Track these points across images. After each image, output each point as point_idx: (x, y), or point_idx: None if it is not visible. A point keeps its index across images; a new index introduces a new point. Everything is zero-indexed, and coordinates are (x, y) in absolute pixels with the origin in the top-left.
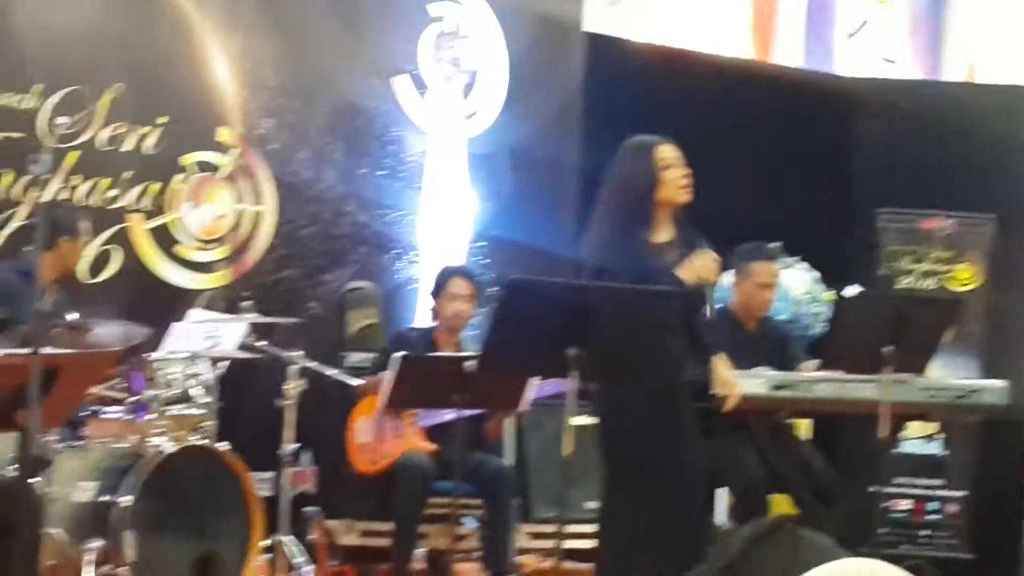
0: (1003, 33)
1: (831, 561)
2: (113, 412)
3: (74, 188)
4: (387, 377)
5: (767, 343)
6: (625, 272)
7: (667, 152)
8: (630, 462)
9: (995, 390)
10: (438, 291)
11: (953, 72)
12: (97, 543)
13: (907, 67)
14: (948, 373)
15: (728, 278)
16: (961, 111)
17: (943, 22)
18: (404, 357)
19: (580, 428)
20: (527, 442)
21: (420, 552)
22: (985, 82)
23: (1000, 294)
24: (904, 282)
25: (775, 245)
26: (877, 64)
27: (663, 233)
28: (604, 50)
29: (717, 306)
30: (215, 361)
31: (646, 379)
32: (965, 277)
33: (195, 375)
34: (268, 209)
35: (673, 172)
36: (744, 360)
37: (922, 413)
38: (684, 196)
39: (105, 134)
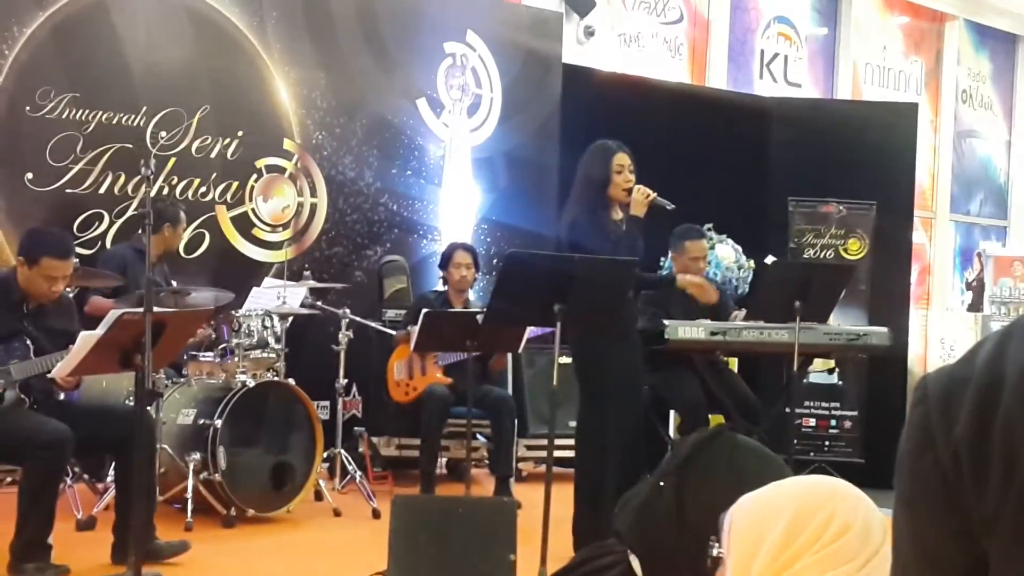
0: (880, 61)
1: (763, 456)
2: (207, 356)
3: (173, 186)
4: (415, 328)
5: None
6: (590, 244)
7: (621, 159)
8: (599, 389)
9: (879, 335)
10: (445, 262)
11: (843, 92)
12: (197, 455)
13: (808, 89)
14: (843, 322)
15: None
16: (850, 122)
17: (836, 55)
18: (427, 313)
19: (563, 365)
20: (523, 376)
21: (442, 461)
22: (868, 99)
23: (881, 262)
24: (808, 253)
25: (707, 226)
26: (786, 87)
27: (616, 214)
28: (577, 78)
29: (664, 273)
30: (284, 316)
31: (611, 327)
32: (855, 249)
33: (269, 327)
34: (321, 201)
35: (622, 176)
36: (689, 314)
37: (824, 352)
38: (625, 197)
39: (196, 144)
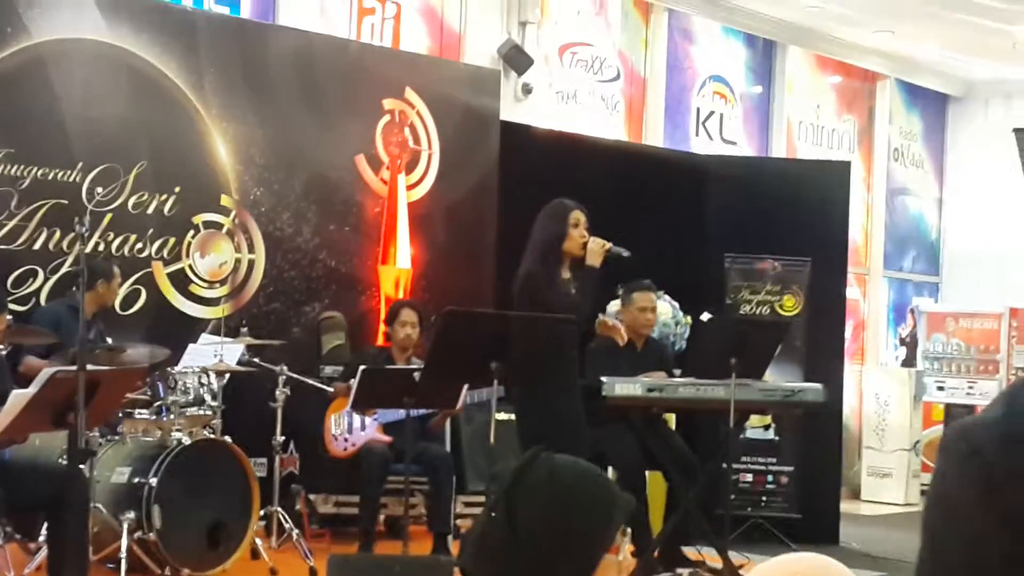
0: (814, 120)
1: (582, 471)
2: (143, 413)
3: (109, 242)
4: (353, 384)
5: (650, 357)
6: (544, 297)
7: (577, 216)
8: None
9: (814, 391)
10: (391, 319)
11: (778, 150)
12: (132, 514)
13: (744, 146)
14: (779, 377)
15: (616, 307)
16: (785, 179)
17: (770, 113)
18: (364, 369)
19: (502, 422)
20: (461, 433)
21: (381, 518)
22: (802, 157)
23: (816, 317)
24: (744, 309)
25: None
26: (721, 144)
27: (566, 272)
28: (516, 134)
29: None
30: (221, 373)
31: (549, 384)
32: (790, 305)
33: (206, 384)
34: (259, 257)
35: (578, 231)
36: (633, 370)
37: (760, 409)
38: (580, 251)
39: (133, 200)
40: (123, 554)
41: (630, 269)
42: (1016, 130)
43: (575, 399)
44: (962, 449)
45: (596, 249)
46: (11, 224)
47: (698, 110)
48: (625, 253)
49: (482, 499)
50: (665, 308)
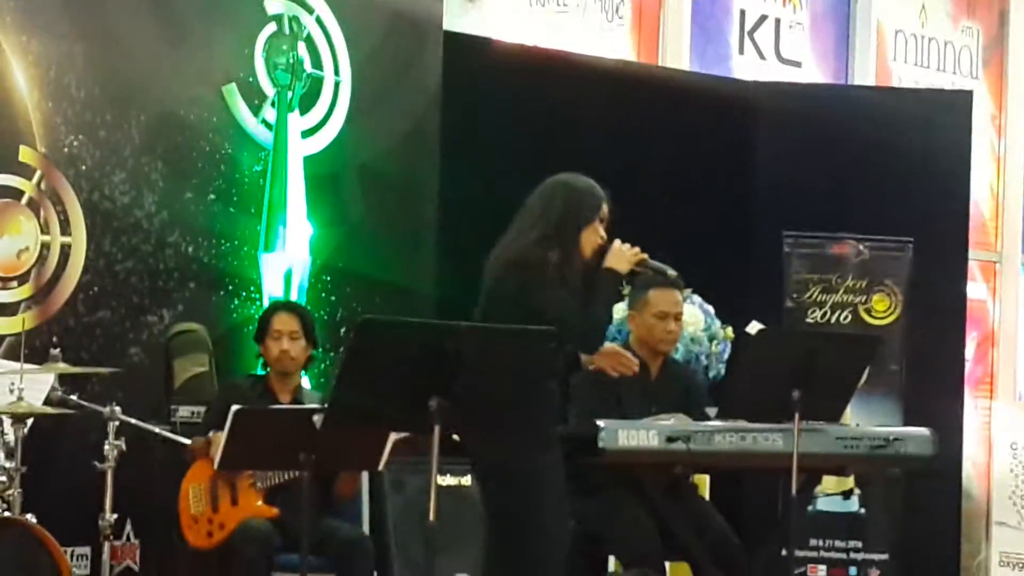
0: (918, 29)
1: None
2: None
3: None
4: (220, 435)
5: (669, 388)
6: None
7: (606, 211)
8: (513, 520)
9: (918, 439)
10: (262, 331)
11: (863, 75)
12: None
13: (811, 70)
14: (866, 421)
15: (622, 313)
16: (872, 120)
17: (852, 19)
18: (238, 411)
19: (447, 489)
20: (386, 505)
21: None
22: (900, 86)
23: (920, 328)
24: (814, 316)
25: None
26: (778, 67)
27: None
28: (467, 53)
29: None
30: (21, 419)
31: (520, 430)
32: (881, 309)
33: None
34: (78, 241)
35: (602, 228)
36: (644, 409)
37: (837, 467)
38: (590, 254)
39: None
40: None
41: None
42: None
43: (553, 456)
44: None
45: (624, 255)
46: None
47: (743, 14)
48: (671, 272)
49: None
50: (694, 315)
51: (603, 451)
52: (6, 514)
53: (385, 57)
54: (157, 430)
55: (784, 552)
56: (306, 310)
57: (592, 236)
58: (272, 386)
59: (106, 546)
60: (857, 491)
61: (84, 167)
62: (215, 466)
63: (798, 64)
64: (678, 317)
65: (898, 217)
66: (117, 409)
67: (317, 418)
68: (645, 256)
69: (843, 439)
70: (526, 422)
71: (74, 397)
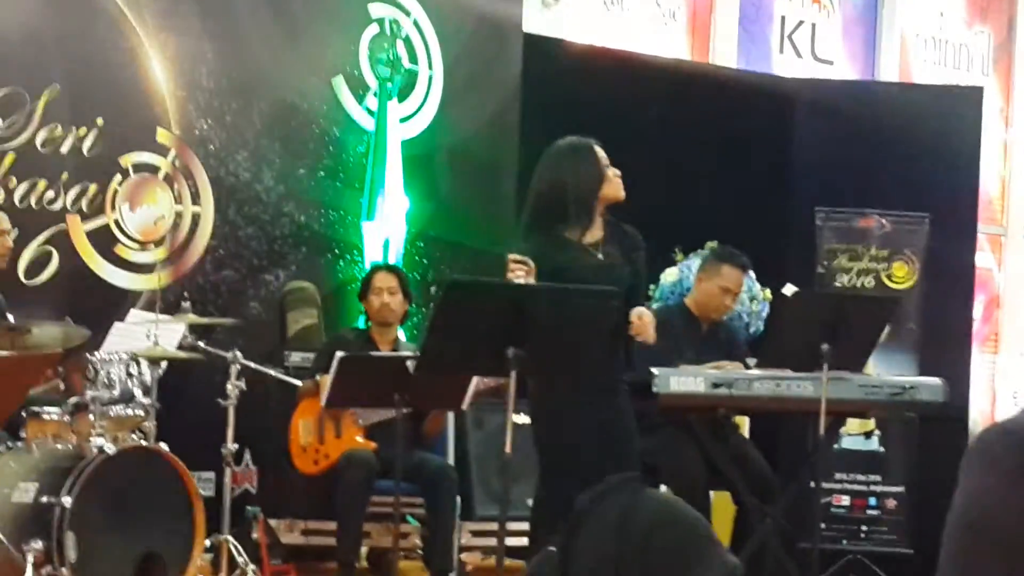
0: (936, 32)
1: (666, 516)
2: (53, 412)
3: (11, 190)
4: (327, 377)
5: (716, 342)
6: (569, 271)
7: (602, 151)
8: (565, 460)
9: (931, 387)
10: (365, 289)
11: (888, 72)
12: (38, 544)
13: (843, 67)
14: (886, 370)
15: (672, 276)
16: (896, 111)
17: (879, 23)
18: (343, 357)
19: (520, 426)
20: (468, 441)
21: (363, 550)
22: (920, 82)
23: (934, 292)
24: (841, 280)
25: (709, 245)
26: (814, 64)
27: (595, 232)
28: (543, 52)
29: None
30: (155, 361)
31: (584, 377)
32: (901, 275)
33: (135, 375)
34: (206, 210)
35: (612, 170)
36: (695, 358)
37: (860, 410)
38: (623, 193)
39: (42, 135)
40: None
41: (689, 228)
42: None
43: (618, 400)
44: (1011, 462)
45: (618, 183)
46: None
47: (783, 19)
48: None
49: (493, 527)
50: None
51: (656, 395)
52: (143, 443)
53: (472, 54)
54: (273, 373)
55: (813, 484)
56: (402, 270)
57: (614, 183)
58: (373, 337)
59: (227, 471)
60: (877, 432)
61: (212, 147)
62: (322, 404)
63: (831, 63)
64: (738, 294)
65: (917, 195)
66: (238, 354)
67: (411, 364)
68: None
69: (865, 387)
70: (588, 370)
71: (201, 344)
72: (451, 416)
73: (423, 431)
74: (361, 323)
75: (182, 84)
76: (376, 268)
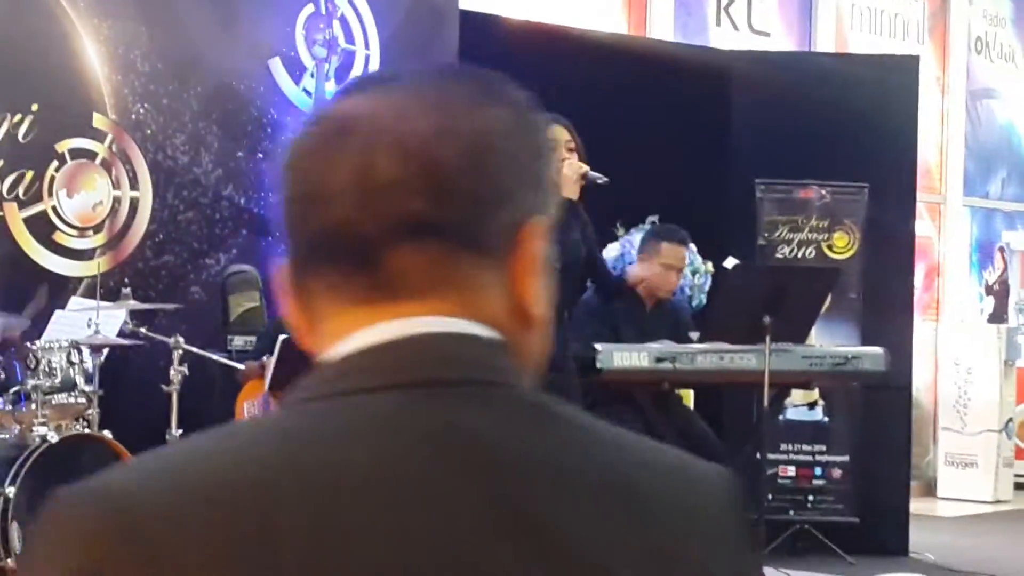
0: (872, 2)
1: None
2: None
3: None
4: (271, 360)
5: (662, 319)
6: None
7: (559, 133)
8: None
9: (874, 357)
10: None
11: (824, 43)
12: None
13: (780, 39)
14: (828, 341)
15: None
16: (832, 81)
17: None
18: (286, 339)
19: None
20: None
21: None
22: (856, 52)
23: (875, 261)
24: (782, 252)
25: (651, 219)
26: (750, 36)
27: None
28: (480, 29)
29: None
30: (97, 349)
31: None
32: (841, 245)
33: (77, 363)
34: (145, 195)
35: (571, 164)
36: (640, 335)
37: (803, 381)
38: (569, 183)
39: None
40: None
41: (630, 202)
42: None
43: (565, 375)
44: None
45: (571, 176)
46: None
47: None
48: (601, 179)
49: None
50: None
51: (600, 371)
52: (86, 431)
53: (408, 33)
54: (215, 357)
55: (758, 455)
56: None
57: (567, 176)
58: None
59: None
60: (821, 402)
61: (149, 131)
62: (266, 387)
63: (767, 34)
64: (681, 270)
65: (856, 165)
66: (180, 339)
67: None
68: (586, 169)
69: (808, 357)
70: None
71: (143, 330)
72: None
73: None
74: None
75: (117, 68)
76: None
